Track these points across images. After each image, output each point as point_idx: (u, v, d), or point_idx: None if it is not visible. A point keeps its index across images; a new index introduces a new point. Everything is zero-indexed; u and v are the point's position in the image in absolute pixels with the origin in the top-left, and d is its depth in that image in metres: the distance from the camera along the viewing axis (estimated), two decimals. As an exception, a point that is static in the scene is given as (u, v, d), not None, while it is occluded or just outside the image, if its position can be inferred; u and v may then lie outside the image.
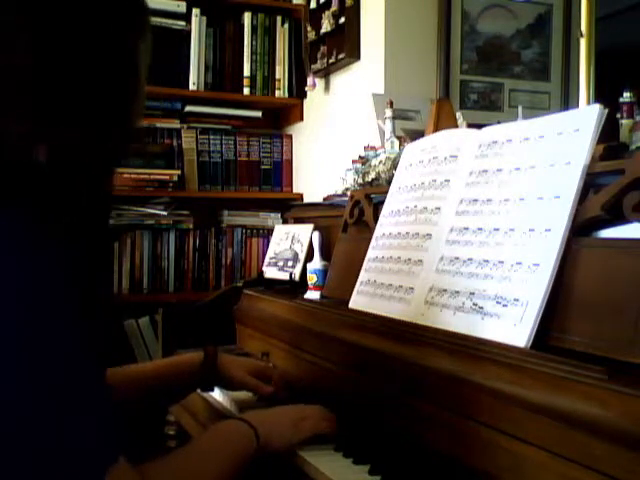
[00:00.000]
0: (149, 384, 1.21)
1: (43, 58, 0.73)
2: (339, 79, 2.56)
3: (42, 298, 0.68)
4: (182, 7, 2.74)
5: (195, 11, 2.76)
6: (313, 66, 2.62)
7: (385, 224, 1.34)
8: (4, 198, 0.70)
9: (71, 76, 0.75)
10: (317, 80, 2.66)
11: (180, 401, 1.54)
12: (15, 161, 0.72)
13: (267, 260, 1.96)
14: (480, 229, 1.06)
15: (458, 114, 1.71)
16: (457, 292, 1.04)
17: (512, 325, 0.92)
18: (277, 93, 2.89)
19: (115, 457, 0.71)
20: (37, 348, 0.66)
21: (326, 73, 2.60)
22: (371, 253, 1.34)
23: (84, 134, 0.76)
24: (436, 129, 1.55)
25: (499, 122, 1.23)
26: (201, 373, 1.24)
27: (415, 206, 1.25)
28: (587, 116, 0.96)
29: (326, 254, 1.62)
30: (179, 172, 2.76)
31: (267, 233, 2.87)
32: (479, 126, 1.21)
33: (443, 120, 1.60)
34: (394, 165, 1.54)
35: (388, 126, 1.81)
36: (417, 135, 1.57)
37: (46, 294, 0.68)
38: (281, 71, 2.89)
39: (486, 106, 2.41)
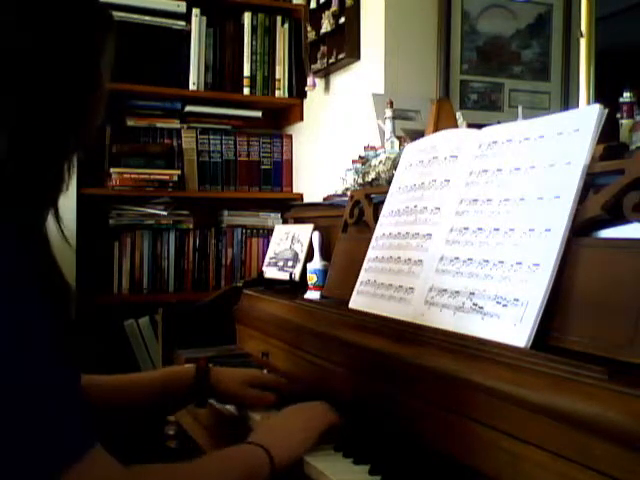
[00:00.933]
0: (143, 395, 1.19)
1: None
2: (339, 79, 2.56)
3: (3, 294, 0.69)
4: (182, 7, 2.74)
5: (195, 11, 2.76)
6: (313, 66, 2.62)
7: (385, 224, 1.34)
8: None
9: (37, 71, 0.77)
10: (317, 80, 2.66)
11: (173, 414, 1.53)
12: None
13: (267, 260, 1.96)
14: (480, 229, 1.06)
15: (458, 114, 1.71)
16: (457, 292, 1.04)
17: (512, 325, 0.92)
18: (277, 93, 2.89)
19: (90, 442, 0.72)
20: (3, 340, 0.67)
21: (326, 73, 2.60)
22: (371, 253, 1.34)
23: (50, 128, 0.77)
24: (436, 129, 1.55)
25: (499, 122, 1.23)
26: (194, 386, 1.22)
27: (415, 206, 1.25)
28: (587, 116, 0.96)
29: (326, 254, 1.62)
30: (179, 172, 2.76)
31: (267, 233, 2.87)
32: (479, 126, 1.21)
33: (443, 120, 1.60)
34: (394, 165, 1.54)
35: (388, 126, 1.81)
36: (417, 135, 1.57)
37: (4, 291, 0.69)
38: (281, 71, 2.89)
39: (486, 106, 2.40)
